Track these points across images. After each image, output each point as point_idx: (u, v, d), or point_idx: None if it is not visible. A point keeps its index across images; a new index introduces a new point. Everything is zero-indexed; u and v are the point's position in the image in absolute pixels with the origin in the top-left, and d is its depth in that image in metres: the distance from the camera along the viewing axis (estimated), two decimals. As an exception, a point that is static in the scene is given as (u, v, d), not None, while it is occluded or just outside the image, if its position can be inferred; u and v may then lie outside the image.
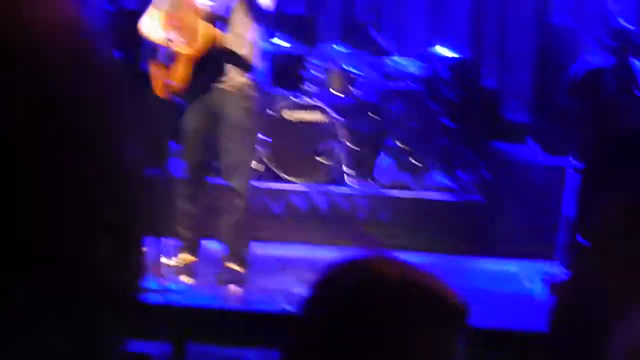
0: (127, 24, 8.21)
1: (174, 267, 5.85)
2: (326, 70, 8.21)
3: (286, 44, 8.39)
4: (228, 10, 5.62)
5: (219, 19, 5.60)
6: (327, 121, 7.91)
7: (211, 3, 5.48)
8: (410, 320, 1.56)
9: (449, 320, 1.61)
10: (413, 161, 8.16)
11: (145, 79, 5.90)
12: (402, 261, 1.65)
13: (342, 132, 7.87)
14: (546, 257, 6.78)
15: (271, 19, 6.02)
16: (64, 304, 0.69)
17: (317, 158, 7.89)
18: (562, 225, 6.59)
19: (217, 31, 5.57)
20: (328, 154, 7.88)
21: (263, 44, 5.95)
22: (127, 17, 8.76)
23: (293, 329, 1.61)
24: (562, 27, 9.15)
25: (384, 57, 8.53)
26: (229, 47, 5.63)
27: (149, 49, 5.95)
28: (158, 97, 5.53)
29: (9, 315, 0.67)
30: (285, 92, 8.19)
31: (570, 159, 6.60)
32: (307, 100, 8.00)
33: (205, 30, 5.50)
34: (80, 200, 0.71)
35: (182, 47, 5.58)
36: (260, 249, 6.33)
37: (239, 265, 5.82)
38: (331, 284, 1.61)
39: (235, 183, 5.74)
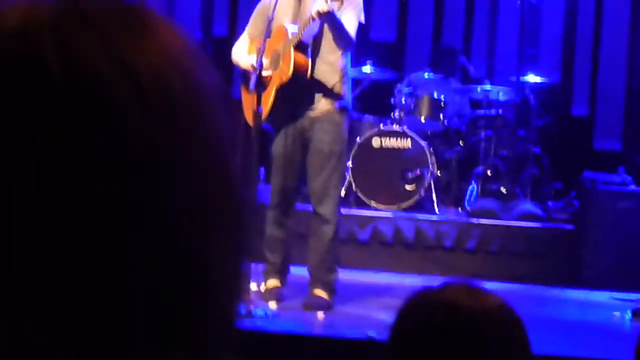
0: (219, 51, 8.36)
1: (261, 293, 5.90)
2: (415, 98, 8.23)
3: (376, 71, 8.43)
4: (318, 38, 5.67)
5: (308, 47, 5.66)
6: (415, 148, 7.91)
7: (301, 31, 5.54)
8: (488, 348, 1.57)
9: (522, 348, 1.61)
10: (502, 189, 8.11)
11: (238, 105, 5.99)
12: (482, 289, 1.66)
13: (430, 160, 7.86)
14: (636, 288, 6.67)
15: (361, 47, 6.06)
16: None
17: (405, 185, 7.90)
18: None
19: (307, 59, 5.63)
20: (416, 182, 7.88)
21: (352, 71, 5.99)
22: (218, 43, 8.93)
23: (378, 357, 1.62)
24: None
25: (473, 84, 8.51)
26: (318, 74, 5.68)
27: (241, 76, 6.03)
28: (249, 123, 5.60)
29: None
30: (375, 119, 8.22)
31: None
32: (396, 127, 8.02)
33: (295, 57, 5.56)
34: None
35: (272, 74, 5.65)
36: (346, 276, 6.34)
37: (325, 291, 5.84)
38: (415, 312, 1.62)
39: (323, 209, 5.76)
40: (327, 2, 5.29)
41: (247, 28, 6.05)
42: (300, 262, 6.10)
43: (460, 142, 8.37)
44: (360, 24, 5.73)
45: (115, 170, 0.66)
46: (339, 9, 5.47)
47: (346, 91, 5.83)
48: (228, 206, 0.73)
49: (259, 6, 6.01)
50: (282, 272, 5.98)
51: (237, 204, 0.74)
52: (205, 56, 0.77)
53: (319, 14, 5.34)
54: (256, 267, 5.82)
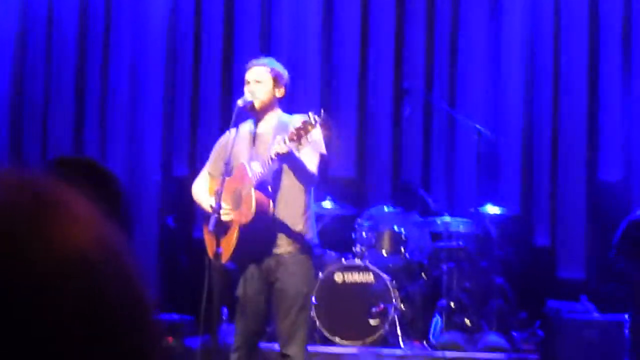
0: (180, 190, 8.38)
1: None
2: (376, 232, 8.25)
3: (336, 207, 8.46)
4: (278, 176, 5.69)
5: (269, 185, 5.67)
6: (378, 283, 7.90)
7: (260, 170, 5.56)
8: None
9: None
10: (466, 321, 8.08)
11: (200, 244, 5.97)
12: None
13: (394, 294, 7.84)
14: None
15: (320, 183, 6.08)
16: None
17: (370, 320, 7.85)
18: None
19: (268, 198, 5.63)
20: (380, 316, 7.84)
21: (314, 207, 6.01)
22: (178, 183, 8.96)
23: None
24: (613, 183, 9.16)
25: (433, 217, 8.56)
26: (280, 213, 5.68)
27: (202, 214, 6.03)
28: (212, 262, 5.56)
29: None
30: (336, 254, 8.22)
31: (626, 316, 6.50)
32: (358, 262, 8.02)
33: (256, 197, 5.56)
34: None
35: (232, 214, 5.64)
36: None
37: None
38: None
39: (291, 351, 5.68)
40: (285, 143, 5.33)
41: (206, 165, 6.08)
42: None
43: (423, 275, 8.37)
44: (323, 156, 5.77)
45: None
46: (297, 148, 5.51)
47: (311, 227, 5.83)
48: None
49: (217, 145, 6.06)
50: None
51: None
52: (111, 224, 0.77)
53: (278, 155, 5.37)
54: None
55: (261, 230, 5.63)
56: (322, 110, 5.46)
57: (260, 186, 5.61)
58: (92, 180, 2.44)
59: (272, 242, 5.69)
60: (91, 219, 0.74)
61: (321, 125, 5.36)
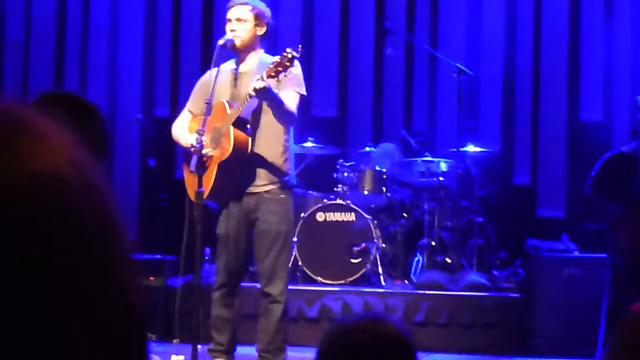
0: (160, 131, 8.36)
1: (209, 373, 5.83)
2: (358, 172, 8.27)
3: (318, 147, 8.46)
4: (257, 114, 5.68)
5: (248, 123, 5.66)
6: (360, 222, 7.93)
7: (239, 107, 5.54)
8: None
9: None
10: (447, 260, 8.14)
11: (181, 184, 5.97)
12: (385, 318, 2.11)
13: (375, 233, 7.88)
14: (586, 354, 6.69)
15: (302, 123, 6.08)
16: None
17: (351, 259, 7.90)
18: (602, 321, 6.51)
19: (247, 135, 5.63)
20: (362, 255, 7.89)
21: (294, 147, 6.01)
22: (159, 124, 8.93)
23: None
24: (594, 122, 9.19)
25: (415, 157, 8.57)
26: (259, 150, 5.68)
27: (183, 155, 6.02)
28: (193, 202, 5.57)
29: None
30: (319, 194, 8.24)
31: (607, 254, 6.55)
32: (340, 201, 8.04)
33: (234, 134, 5.56)
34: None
35: (212, 152, 5.63)
36: (296, 354, 6.29)
37: (275, 370, 5.78)
38: (333, 338, 2.02)
39: (272, 289, 5.71)
40: (263, 79, 5.31)
41: (187, 104, 6.06)
42: (248, 342, 6.05)
43: (404, 214, 8.41)
44: (303, 97, 5.76)
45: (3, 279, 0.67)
46: (277, 85, 5.49)
47: (290, 167, 5.83)
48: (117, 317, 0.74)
49: (198, 83, 6.03)
50: (229, 352, 5.92)
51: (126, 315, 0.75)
52: (88, 154, 0.77)
53: (256, 90, 5.35)
54: (203, 348, 5.76)
55: (240, 169, 5.63)
56: (299, 46, 5.43)
57: (240, 124, 5.61)
58: (75, 114, 2.43)
59: (251, 180, 5.70)
60: (65, 143, 0.74)
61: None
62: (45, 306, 0.69)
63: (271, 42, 8.22)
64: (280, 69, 5.30)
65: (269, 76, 5.31)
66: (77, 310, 0.71)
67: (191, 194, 5.65)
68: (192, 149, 5.50)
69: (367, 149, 8.55)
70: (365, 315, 2.27)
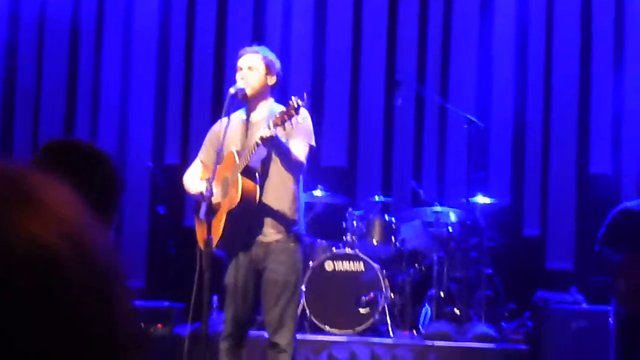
0: (170, 179, 8.39)
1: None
2: (367, 221, 8.27)
3: (327, 196, 8.47)
4: (266, 163, 5.69)
5: (257, 172, 5.67)
6: (369, 272, 7.92)
7: (248, 157, 5.54)
8: None
9: None
10: (456, 311, 8.11)
11: (190, 232, 5.98)
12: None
13: (384, 283, 7.86)
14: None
15: (312, 172, 6.08)
16: None
17: (360, 309, 7.87)
18: None
19: (255, 184, 5.63)
20: (370, 305, 7.86)
21: (304, 196, 6.01)
22: (170, 171, 8.97)
23: None
24: (603, 176, 9.19)
25: (424, 207, 8.58)
26: (267, 200, 5.68)
27: (194, 204, 6.02)
28: (202, 250, 5.56)
29: None
30: (327, 243, 8.24)
31: (613, 307, 6.54)
32: (348, 250, 8.03)
33: (242, 183, 5.56)
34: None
35: (221, 201, 5.64)
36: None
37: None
38: None
39: (279, 339, 5.68)
40: (270, 128, 5.32)
41: (199, 154, 6.08)
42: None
43: (413, 264, 8.40)
44: (311, 147, 5.77)
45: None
46: (286, 135, 5.51)
47: (299, 217, 5.82)
48: None
49: (210, 133, 6.05)
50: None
51: None
52: (91, 219, 0.76)
53: (262, 140, 5.36)
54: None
55: (249, 218, 5.63)
56: (304, 94, 5.44)
57: (249, 173, 5.61)
58: (85, 162, 2.45)
59: (260, 230, 5.69)
60: (63, 214, 0.73)
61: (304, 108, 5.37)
62: None
63: (282, 92, 8.28)
64: (286, 117, 5.31)
65: (276, 125, 5.32)
66: None
67: (201, 243, 5.65)
68: (202, 197, 5.51)
69: (377, 198, 8.55)
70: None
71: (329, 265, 7.97)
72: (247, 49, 5.96)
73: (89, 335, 0.72)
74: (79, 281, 0.72)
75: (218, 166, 5.54)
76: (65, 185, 0.76)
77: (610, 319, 6.46)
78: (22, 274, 0.68)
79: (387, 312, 7.88)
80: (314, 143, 5.77)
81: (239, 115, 5.89)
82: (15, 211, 0.71)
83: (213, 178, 5.48)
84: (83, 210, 0.76)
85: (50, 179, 0.76)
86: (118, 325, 0.75)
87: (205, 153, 5.99)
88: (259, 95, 5.82)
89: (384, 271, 7.98)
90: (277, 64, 5.90)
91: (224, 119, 5.69)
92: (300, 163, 5.62)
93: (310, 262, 7.89)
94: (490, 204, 8.45)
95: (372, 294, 7.85)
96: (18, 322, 0.68)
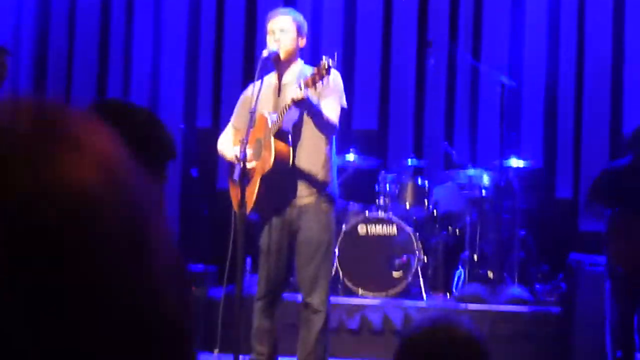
0: (203, 141, 8.39)
1: (250, 385, 5.83)
2: (400, 184, 8.25)
3: (359, 159, 8.45)
4: (298, 124, 5.68)
5: (289, 134, 5.66)
6: (401, 235, 7.91)
7: (280, 118, 5.54)
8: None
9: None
10: (489, 274, 8.09)
11: (223, 195, 5.99)
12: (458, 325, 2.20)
13: (417, 246, 7.85)
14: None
15: (343, 135, 6.06)
16: None
17: (393, 272, 7.87)
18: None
19: (288, 146, 5.63)
20: (403, 268, 7.86)
21: (336, 159, 6.00)
22: (202, 134, 8.97)
23: None
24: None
25: (457, 169, 8.54)
26: (300, 161, 5.68)
27: (228, 167, 6.03)
28: (236, 213, 5.57)
29: None
30: (360, 207, 8.23)
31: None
32: (381, 214, 8.02)
33: (275, 146, 5.56)
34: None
35: (254, 164, 5.64)
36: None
37: (316, 381, 5.77)
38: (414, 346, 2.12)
39: (313, 300, 5.71)
40: (301, 89, 5.31)
41: (231, 119, 6.08)
42: (289, 353, 6.04)
43: (446, 227, 8.38)
44: (342, 109, 5.75)
45: (48, 294, 0.66)
46: (317, 95, 5.49)
47: (332, 178, 5.83)
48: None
49: (241, 97, 6.05)
50: (271, 364, 5.91)
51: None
52: (133, 164, 0.75)
53: (294, 101, 5.35)
54: (244, 359, 5.76)
55: (282, 180, 5.63)
56: (335, 54, 5.41)
57: (281, 135, 5.61)
58: (144, 124, 2.44)
59: (293, 192, 5.70)
60: (104, 155, 0.72)
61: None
62: (65, 327, 0.67)
63: (314, 53, 8.24)
64: (317, 77, 5.29)
65: (307, 85, 5.31)
66: (103, 332, 0.68)
67: (235, 206, 5.66)
68: (236, 160, 5.52)
69: (410, 160, 8.52)
70: (435, 321, 2.22)
71: (362, 229, 7.97)
72: (277, 10, 5.95)
73: (122, 274, 0.70)
74: (116, 222, 0.70)
75: (250, 130, 5.53)
76: (107, 129, 0.74)
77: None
78: (59, 214, 0.67)
79: (420, 275, 7.87)
80: (345, 103, 5.76)
81: (270, 78, 5.88)
82: (52, 149, 0.69)
83: (246, 141, 5.48)
84: (127, 156, 0.74)
85: (91, 119, 0.74)
86: (163, 273, 0.73)
87: (237, 118, 5.99)
88: (291, 57, 5.81)
89: (417, 234, 7.96)
90: (305, 26, 5.89)
91: (257, 83, 5.68)
92: (333, 123, 5.61)
93: (343, 226, 7.89)
94: (523, 166, 8.40)
95: (405, 257, 7.84)
96: (53, 261, 0.67)
